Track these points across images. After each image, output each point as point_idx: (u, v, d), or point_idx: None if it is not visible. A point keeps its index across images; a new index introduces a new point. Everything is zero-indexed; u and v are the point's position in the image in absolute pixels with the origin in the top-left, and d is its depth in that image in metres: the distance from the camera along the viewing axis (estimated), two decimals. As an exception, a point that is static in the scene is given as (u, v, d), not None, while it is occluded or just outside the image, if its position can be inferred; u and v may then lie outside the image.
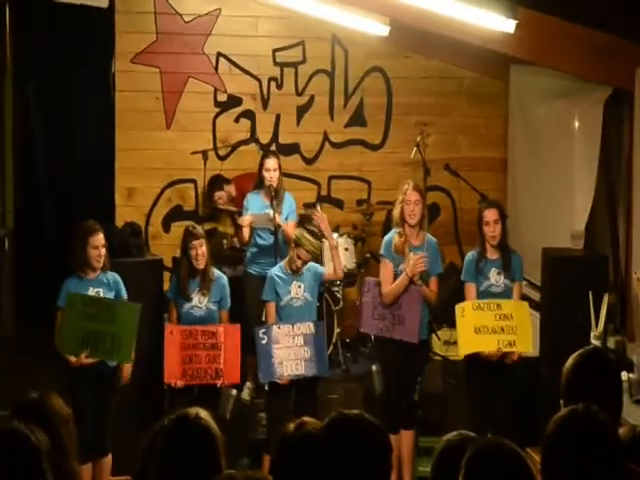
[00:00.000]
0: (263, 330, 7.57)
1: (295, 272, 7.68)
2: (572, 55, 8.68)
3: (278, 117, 10.57)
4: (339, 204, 10.68)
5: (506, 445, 3.31)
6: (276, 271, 7.75)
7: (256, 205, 8.81)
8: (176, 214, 10.37)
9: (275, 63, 10.53)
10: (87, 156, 10.60)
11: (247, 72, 10.48)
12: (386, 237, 7.79)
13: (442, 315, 8.88)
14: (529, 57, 9.10)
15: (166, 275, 8.91)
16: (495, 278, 7.50)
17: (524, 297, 8.02)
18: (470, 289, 7.53)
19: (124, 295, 7.36)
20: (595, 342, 7.34)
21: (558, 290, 8.11)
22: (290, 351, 7.53)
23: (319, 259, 8.33)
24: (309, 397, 7.59)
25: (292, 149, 10.58)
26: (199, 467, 3.42)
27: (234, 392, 8.27)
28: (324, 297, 9.27)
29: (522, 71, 10.00)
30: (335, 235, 9.62)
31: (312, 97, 10.62)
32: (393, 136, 10.72)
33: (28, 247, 10.53)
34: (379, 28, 9.43)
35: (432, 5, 7.64)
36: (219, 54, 10.40)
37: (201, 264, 7.61)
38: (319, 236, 7.78)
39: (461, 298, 7.58)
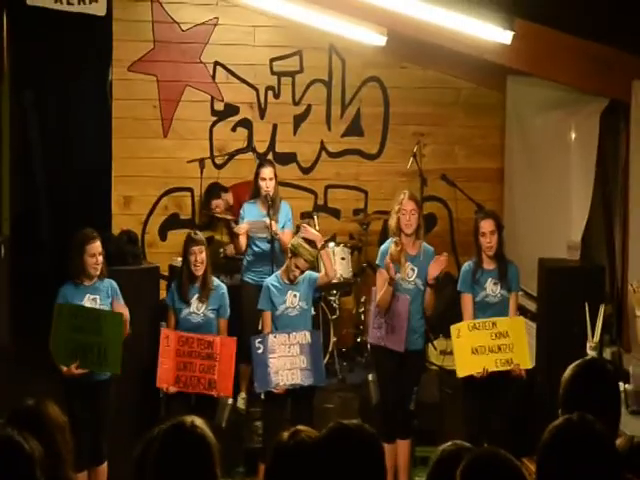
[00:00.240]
0: (259, 339, 7.57)
1: (291, 282, 7.69)
2: (569, 66, 8.70)
3: (275, 126, 10.57)
4: (336, 213, 10.68)
5: (501, 455, 3.31)
6: (272, 281, 7.76)
7: (253, 214, 8.81)
8: (173, 222, 10.36)
9: (272, 72, 10.53)
10: (84, 164, 10.60)
11: (244, 81, 10.49)
12: (382, 246, 7.80)
13: (438, 325, 8.88)
14: (526, 68, 9.12)
15: (162, 283, 8.90)
16: (491, 288, 7.51)
17: (520, 307, 8.02)
18: (467, 300, 7.53)
19: (121, 301, 7.37)
20: (591, 353, 7.34)
21: (554, 301, 8.13)
22: (286, 360, 7.52)
23: (316, 267, 8.34)
24: (305, 406, 7.59)
25: (289, 158, 10.59)
26: (194, 475, 3.41)
27: (230, 401, 8.26)
28: (320, 306, 9.27)
29: (519, 82, 10.01)
30: (332, 244, 9.65)
31: (309, 106, 10.63)
32: (390, 146, 10.72)
33: (25, 255, 10.51)
34: (376, 38, 9.44)
35: (429, 16, 7.65)
36: (216, 63, 10.40)
37: (199, 270, 7.63)
38: (314, 245, 7.80)
39: (457, 308, 7.59)
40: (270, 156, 10.41)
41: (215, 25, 10.37)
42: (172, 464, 3.40)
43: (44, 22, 9.86)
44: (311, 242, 7.75)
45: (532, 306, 8.77)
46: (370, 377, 8.39)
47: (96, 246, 7.23)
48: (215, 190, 9.79)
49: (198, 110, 10.39)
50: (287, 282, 7.71)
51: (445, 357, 9.07)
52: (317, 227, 9.72)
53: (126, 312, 7.30)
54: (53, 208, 10.52)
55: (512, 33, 7.51)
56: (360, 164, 10.72)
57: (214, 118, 10.46)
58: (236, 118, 10.50)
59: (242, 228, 8.72)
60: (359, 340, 9.88)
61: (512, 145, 10.36)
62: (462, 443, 3.68)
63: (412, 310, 7.59)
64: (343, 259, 9.66)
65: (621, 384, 6.74)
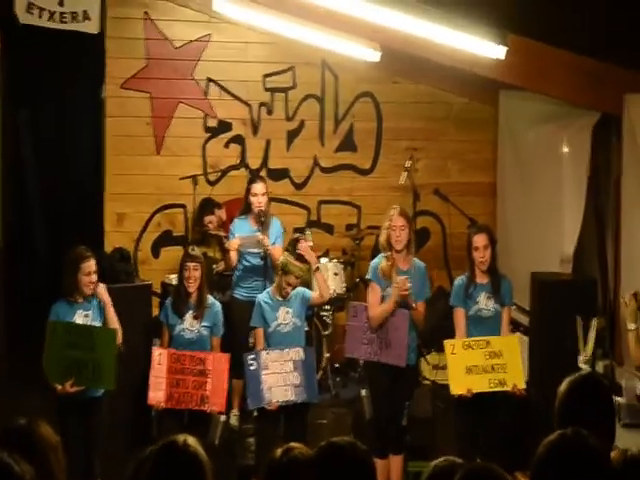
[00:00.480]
0: (252, 356, 7.57)
1: (283, 298, 7.69)
2: (561, 81, 8.73)
3: (268, 142, 10.59)
4: (329, 229, 10.68)
5: (494, 470, 3.31)
6: (264, 297, 7.77)
7: (243, 230, 8.80)
8: (165, 239, 10.36)
9: (265, 88, 10.55)
10: (77, 181, 10.58)
11: (237, 97, 10.50)
12: (373, 261, 7.80)
13: (431, 340, 8.87)
14: (518, 83, 9.14)
15: (155, 300, 8.90)
16: (485, 302, 7.51)
17: (513, 321, 8.03)
18: (459, 314, 7.53)
19: (114, 315, 7.36)
20: (583, 366, 7.35)
21: (547, 314, 8.13)
22: (279, 377, 7.52)
23: (309, 283, 8.34)
24: (298, 423, 7.58)
25: (282, 174, 10.60)
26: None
27: (222, 418, 8.25)
28: (313, 322, 9.27)
29: (511, 96, 10.04)
30: (325, 260, 9.66)
31: (302, 122, 10.65)
32: (383, 161, 10.74)
33: (18, 269, 10.49)
34: (369, 54, 9.46)
35: (422, 31, 7.67)
36: (209, 79, 10.42)
37: (192, 287, 7.65)
38: (304, 259, 7.81)
39: (450, 323, 7.59)
40: (263, 172, 10.42)
41: (207, 42, 10.39)
42: (165, 482, 3.39)
43: (37, 40, 9.88)
44: (301, 257, 7.76)
45: (525, 320, 8.77)
46: (363, 392, 8.38)
47: (90, 265, 7.25)
48: (208, 206, 9.79)
49: (191, 127, 10.40)
50: (279, 298, 7.71)
51: (438, 372, 9.07)
52: (311, 243, 9.73)
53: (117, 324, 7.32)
54: (46, 225, 10.50)
55: (505, 48, 7.53)
56: (353, 179, 10.74)
57: (207, 135, 10.47)
58: (229, 134, 10.52)
59: (234, 243, 8.71)
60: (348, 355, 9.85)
61: (505, 159, 10.38)
62: (454, 459, 3.68)
63: (407, 326, 7.59)
64: (336, 274, 9.67)
65: (614, 397, 6.75)
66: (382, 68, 10.26)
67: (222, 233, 9.36)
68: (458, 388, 7.30)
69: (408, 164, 9.99)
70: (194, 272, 7.66)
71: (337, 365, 9.84)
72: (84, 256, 7.25)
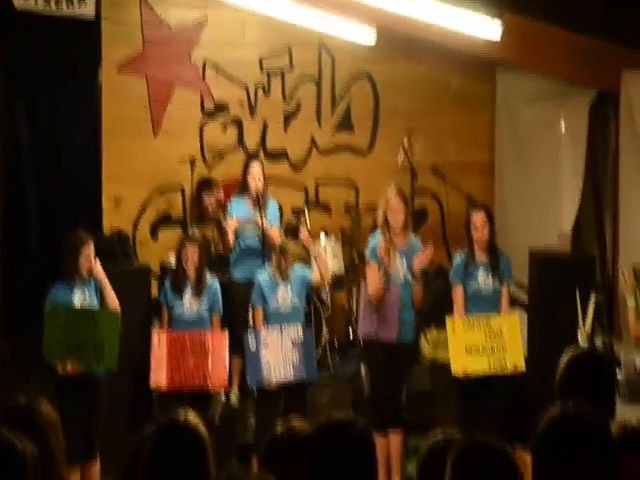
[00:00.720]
0: (252, 334, 7.60)
1: (283, 277, 7.71)
2: (558, 59, 8.73)
3: (265, 124, 10.58)
4: (327, 209, 10.69)
5: (493, 443, 3.32)
6: (263, 277, 7.79)
7: (240, 210, 8.79)
8: (163, 221, 10.37)
9: (262, 70, 10.54)
10: (74, 164, 10.57)
11: (234, 79, 10.48)
12: (370, 240, 7.80)
13: (430, 317, 8.89)
14: (515, 61, 9.15)
15: (154, 283, 8.91)
16: (484, 280, 7.52)
17: (512, 298, 8.03)
18: (458, 291, 7.55)
19: (111, 292, 7.38)
20: (582, 342, 7.37)
21: (545, 291, 8.15)
22: (279, 355, 7.54)
23: (307, 261, 8.36)
24: (298, 401, 7.60)
25: (279, 155, 10.59)
26: (188, 471, 3.41)
27: (222, 396, 8.28)
28: (312, 301, 9.28)
29: (508, 75, 10.04)
30: (323, 240, 9.67)
31: (299, 103, 10.63)
32: (380, 141, 10.73)
33: (15, 256, 10.49)
34: (366, 35, 9.45)
35: (418, 11, 7.66)
36: (206, 62, 10.40)
37: (190, 269, 7.68)
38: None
39: (449, 300, 7.60)
40: (261, 153, 10.41)
41: (204, 24, 10.37)
42: (166, 459, 3.40)
43: (33, 25, 9.85)
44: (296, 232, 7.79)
45: (523, 297, 8.79)
46: (362, 370, 8.41)
47: (90, 249, 7.28)
48: (207, 185, 9.77)
49: (188, 109, 10.39)
50: (278, 278, 7.73)
51: (437, 349, 9.08)
52: (308, 223, 9.74)
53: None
54: (43, 208, 10.49)
55: (502, 27, 7.52)
56: (351, 160, 10.73)
57: (204, 117, 10.46)
58: (226, 116, 10.51)
59: (232, 224, 8.72)
60: (351, 334, 9.88)
61: (502, 137, 10.39)
62: (452, 432, 3.70)
63: (403, 302, 7.60)
64: (335, 255, 9.68)
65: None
66: (379, 49, 10.23)
67: (221, 215, 9.34)
68: (459, 368, 7.32)
69: (406, 144, 9.98)
70: (192, 253, 7.68)
71: (336, 343, 9.85)
72: (84, 240, 7.28)
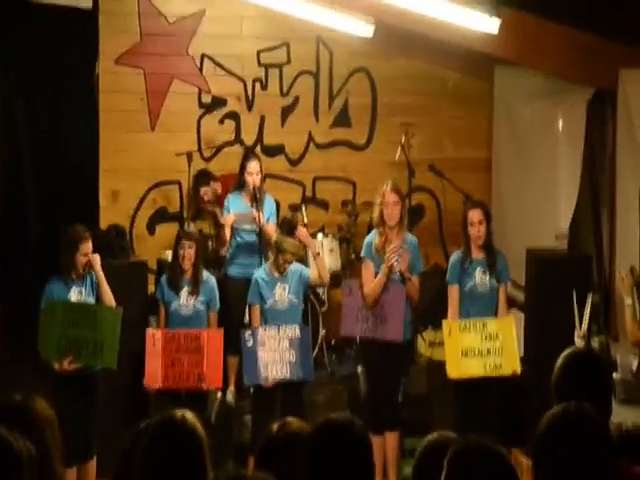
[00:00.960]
0: (249, 332, 7.59)
1: (280, 274, 7.69)
2: (556, 55, 8.73)
3: (263, 118, 10.56)
4: (324, 205, 10.67)
5: (489, 445, 3.31)
6: (260, 274, 7.77)
7: (237, 206, 8.79)
8: (161, 216, 10.35)
9: (260, 64, 10.51)
10: (71, 158, 10.54)
11: (232, 73, 10.46)
12: (367, 238, 7.81)
13: (427, 316, 8.88)
14: (513, 57, 9.14)
15: (151, 277, 8.89)
16: (480, 277, 7.51)
17: (508, 298, 8.03)
18: (453, 291, 7.54)
19: (107, 289, 7.36)
20: (579, 342, 7.36)
21: (542, 290, 8.15)
22: (276, 354, 7.53)
23: (304, 259, 8.34)
24: (295, 400, 7.57)
25: (277, 150, 10.57)
26: (185, 469, 3.40)
27: (219, 395, 8.27)
28: (309, 298, 9.26)
29: (506, 71, 10.03)
30: (320, 236, 9.65)
31: (297, 98, 10.62)
32: (378, 137, 10.72)
33: (13, 251, 10.46)
34: (363, 29, 9.43)
35: (416, 5, 7.65)
36: (203, 55, 10.38)
37: (186, 266, 7.66)
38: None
39: (446, 299, 7.59)
40: (258, 148, 10.39)
41: (202, 17, 10.34)
42: (162, 458, 3.40)
43: (30, 15, 9.82)
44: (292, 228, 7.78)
45: (520, 296, 8.78)
46: (359, 369, 8.39)
47: (88, 245, 7.27)
48: (204, 177, 9.75)
49: (185, 103, 10.37)
50: (276, 275, 7.72)
51: (434, 348, 9.07)
52: (305, 219, 9.72)
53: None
54: (41, 202, 10.47)
55: (499, 22, 7.50)
56: (348, 155, 10.72)
57: (202, 110, 10.44)
58: (224, 110, 10.48)
59: (229, 219, 8.71)
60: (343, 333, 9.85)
61: (500, 135, 10.38)
62: (448, 433, 3.69)
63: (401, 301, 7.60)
64: (332, 251, 9.67)
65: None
66: (377, 44, 10.22)
67: (217, 209, 9.32)
68: (455, 371, 7.31)
69: (403, 140, 9.96)
70: (189, 250, 7.66)
71: (333, 342, 9.83)
72: (82, 237, 7.25)
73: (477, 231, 7.50)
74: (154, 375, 7.47)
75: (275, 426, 3.74)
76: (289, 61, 10.58)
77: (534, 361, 7.72)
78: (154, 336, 7.54)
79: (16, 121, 10.43)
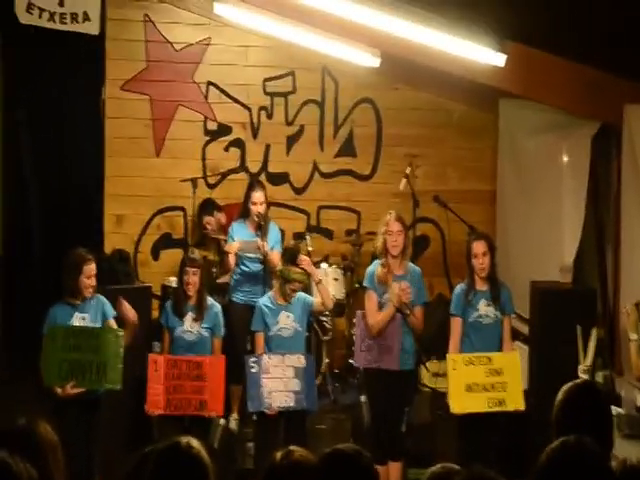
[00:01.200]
0: (254, 359, 7.57)
1: (285, 301, 7.69)
2: (561, 90, 8.73)
3: (268, 146, 10.57)
4: (328, 234, 10.66)
5: (492, 477, 3.29)
6: (264, 301, 7.77)
7: (242, 234, 8.81)
8: (165, 242, 10.35)
9: (265, 93, 10.54)
10: (77, 182, 10.57)
11: (237, 101, 10.49)
12: (369, 268, 7.82)
13: (431, 347, 8.84)
14: (518, 91, 9.15)
15: (155, 303, 8.88)
16: (484, 309, 7.51)
17: (513, 330, 8.01)
18: (456, 323, 7.54)
19: (110, 315, 7.36)
20: (583, 376, 7.33)
21: (546, 323, 8.13)
22: (280, 382, 7.51)
23: (308, 287, 8.34)
24: (298, 428, 7.56)
25: (281, 179, 10.58)
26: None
27: (222, 422, 8.24)
28: (313, 327, 9.25)
29: (511, 104, 10.03)
30: (324, 265, 9.65)
31: (302, 127, 10.64)
32: (382, 167, 10.72)
33: (17, 274, 10.46)
34: (369, 59, 9.46)
35: (422, 38, 7.67)
36: (209, 83, 10.41)
37: (190, 291, 7.67)
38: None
39: (449, 330, 7.57)
40: (263, 176, 10.40)
41: (208, 45, 10.38)
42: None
43: (37, 40, 9.86)
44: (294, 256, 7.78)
45: (524, 329, 8.76)
46: (362, 399, 8.38)
47: (92, 268, 7.26)
48: (209, 207, 9.77)
49: (191, 130, 10.39)
50: (280, 303, 7.71)
51: (438, 379, 9.04)
52: (309, 248, 9.71)
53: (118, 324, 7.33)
54: (46, 226, 10.48)
55: (505, 56, 7.53)
56: (353, 185, 10.73)
57: (207, 138, 10.46)
58: (229, 138, 10.51)
59: (233, 247, 8.71)
60: (351, 361, 9.83)
61: (504, 167, 10.37)
62: (452, 465, 3.67)
63: (402, 330, 7.58)
64: (336, 280, 9.66)
65: (614, 408, 6.74)
66: (382, 74, 10.25)
67: (221, 236, 9.32)
68: (458, 407, 7.28)
69: (408, 170, 9.97)
70: (193, 277, 7.68)
71: (336, 371, 9.82)
72: (85, 259, 7.25)
73: (481, 263, 7.50)
74: (156, 401, 7.44)
75: (279, 454, 3.71)
76: (295, 90, 10.60)
77: (538, 394, 7.69)
78: (156, 362, 7.52)
79: (22, 147, 10.46)
